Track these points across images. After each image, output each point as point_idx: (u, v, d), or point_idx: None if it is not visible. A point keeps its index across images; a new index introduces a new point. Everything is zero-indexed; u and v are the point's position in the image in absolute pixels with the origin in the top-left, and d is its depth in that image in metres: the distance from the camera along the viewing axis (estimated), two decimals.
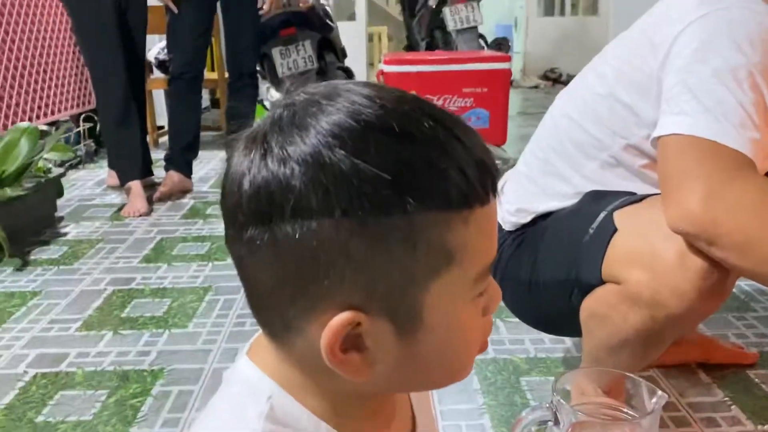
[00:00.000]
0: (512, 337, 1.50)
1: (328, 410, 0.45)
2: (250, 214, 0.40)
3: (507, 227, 1.14)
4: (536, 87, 6.10)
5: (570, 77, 6.21)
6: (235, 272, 0.44)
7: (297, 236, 0.39)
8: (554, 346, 1.45)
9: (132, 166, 2.63)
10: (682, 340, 1.33)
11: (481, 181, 0.41)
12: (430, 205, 0.39)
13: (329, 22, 4.05)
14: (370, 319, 0.41)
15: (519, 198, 1.13)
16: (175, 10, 2.69)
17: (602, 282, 0.93)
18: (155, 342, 1.52)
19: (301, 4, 3.56)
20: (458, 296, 0.43)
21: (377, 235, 0.39)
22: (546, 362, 1.40)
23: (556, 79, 6.18)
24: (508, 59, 3.63)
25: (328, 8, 4.18)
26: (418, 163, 0.39)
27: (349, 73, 4.52)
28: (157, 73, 3.73)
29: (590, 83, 1.05)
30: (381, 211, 0.39)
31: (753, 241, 0.77)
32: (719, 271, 0.83)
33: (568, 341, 1.46)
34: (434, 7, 4.59)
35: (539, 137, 1.15)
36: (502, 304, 1.21)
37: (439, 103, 3.45)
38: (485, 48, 4.87)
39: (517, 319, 1.25)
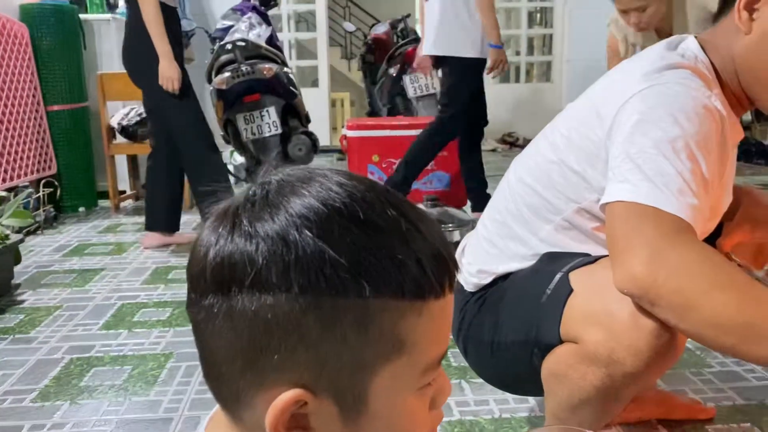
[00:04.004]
0: (477, 398, 1.50)
1: None
2: (211, 281, 0.42)
3: (469, 288, 1.17)
4: (494, 150, 6.27)
5: (526, 141, 6.38)
6: None
7: (253, 308, 0.40)
8: (518, 405, 1.46)
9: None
10: (643, 397, 1.36)
11: (437, 274, 0.43)
12: (386, 292, 0.41)
13: (293, 89, 4.14)
14: (316, 400, 0.41)
15: (479, 260, 1.16)
16: None
17: (561, 342, 0.96)
18: (115, 411, 1.48)
19: (264, 72, 3.63)
20: (405, 385, 0.44)
21: (331, 315, 0.40)
22: (511, 422, 1.41)
23: (513, 143, 6.37)
24: None
25: (291, 75, 4.28)
26: (378, 252, 0.41)
27: (312, 138, 4.60)
28: (120, 139, 3.74)
29: (542, 150, 1.10)
30: (337, 293, 0.40)
31: (690, 304, 0.81)
32: (671, 329, 0.87)
33: (532, 400, 1.47)
34: (395, 75, 4.75)
35: (497, 201, 1.19)
36: (465, 363, 1.23)
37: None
38: None
39: (481, 380, 1.26)
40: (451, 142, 3.60)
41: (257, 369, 0.41)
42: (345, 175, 0.45)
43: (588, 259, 0.99)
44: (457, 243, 2.44)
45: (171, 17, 2.69)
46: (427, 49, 3.19)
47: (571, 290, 0.95)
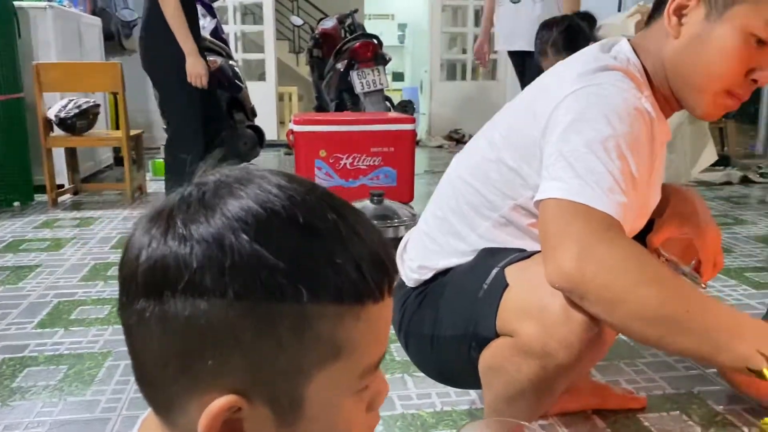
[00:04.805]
0: (419, 392, 1.52)
1: None
2: (143, 285, 0.41)
3: (410, 284, 1.18)
4: (441, 147, 6.33)
5: (472, 137, 6.46)
6: None
7: (186, 313, 0.39)
8: (460, 398, 1.48)
9: None
10: (579, 389, 1.40)
11: (376, 279, 0.42)
12: (324, 297, 0.40)
13: (238, 82, 4.09)
14: (250, 406, 0.41)
15: (420, 255, 1.18)
16: None
17: (497, 335, 0.98)
18: (49, 412, 1.44)
19: (208, 64, 3.57)
20: (342, 389, 0.43)
21: (267, 321, 0.40)
22: (452, 415, 1.43)
23: (459, 140, 6.44)
24: (413, 121, 3.78)
25: (237, 68, 4.23)
26: (317, 256, 0.40)
27: (258, 132, 4.56)
28: (58, 131, 3.61)
29: (482, 148, 1.12)
30: (274, 298, 0.39)
31: (618, 298, 0.84)
32: (600, 322, 0.90)
33: (473, 393, 1.50)
34: (342, 70, 4.73)
35: (438, 198, 1.21)
36: (407, 358, 1.25)
37: (349, 161, 3.53)
38: (391, 109, 5.04)
39: (423, 374, 1.28)
40: (394, 137, 3.63)
41: (190, 375, 0.41)
42: (285, 176, 0.44)
43: (523, 255, 1.02)
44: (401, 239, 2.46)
45: (189, 8, 2.73)
46: (520, 45, 3.46)
47: (507, 285, 0.97)
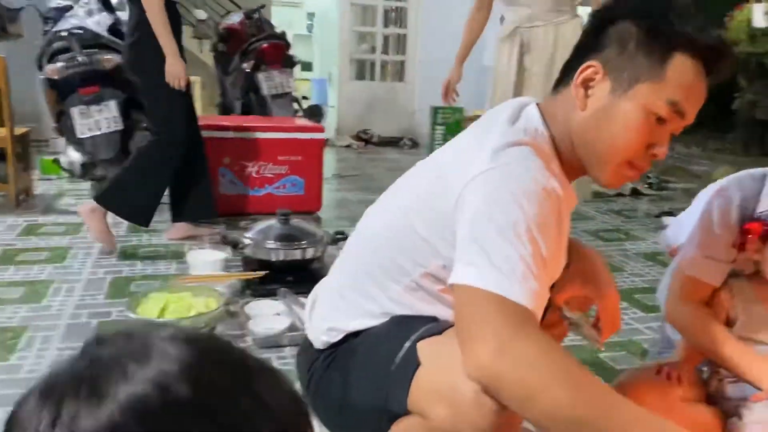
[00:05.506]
0: None
1: None
2: None
3: (318, 345, 1.16)
4: (349, 146, 6.31)
5: (381, 138, 6.44)
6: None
7: None
8: None
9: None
10: None
11: None
12: None
13: None
14: None
15: (330, 316, 1.15)
16: None
17: (408, 412, 0.98)
18: None
19: (104, 63, 3.36)
20: None
21: None
22: None
23: (368, 140, 6.44)
24: (322, 129, 3.74)
25: None
26: None
27: None
28: None
29: (392, 210, 1.11)
30: None
31: (531, 397, 0.85)
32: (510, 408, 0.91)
33: None
34: (248, 71, 4.59)
35: (349, 255, 1.19)
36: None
37: (255, 169, 3.41)
38: (300, 111, 4.96)
39: None
40: (302, 146, 3.57)
41: None
42: (189, 346, 0.41)
43: (436, 328, 1.02)
44: (310, 260, 2.40)
45: (172, 11, 2.68)
46: None
47: (419, 364, 0.97)
